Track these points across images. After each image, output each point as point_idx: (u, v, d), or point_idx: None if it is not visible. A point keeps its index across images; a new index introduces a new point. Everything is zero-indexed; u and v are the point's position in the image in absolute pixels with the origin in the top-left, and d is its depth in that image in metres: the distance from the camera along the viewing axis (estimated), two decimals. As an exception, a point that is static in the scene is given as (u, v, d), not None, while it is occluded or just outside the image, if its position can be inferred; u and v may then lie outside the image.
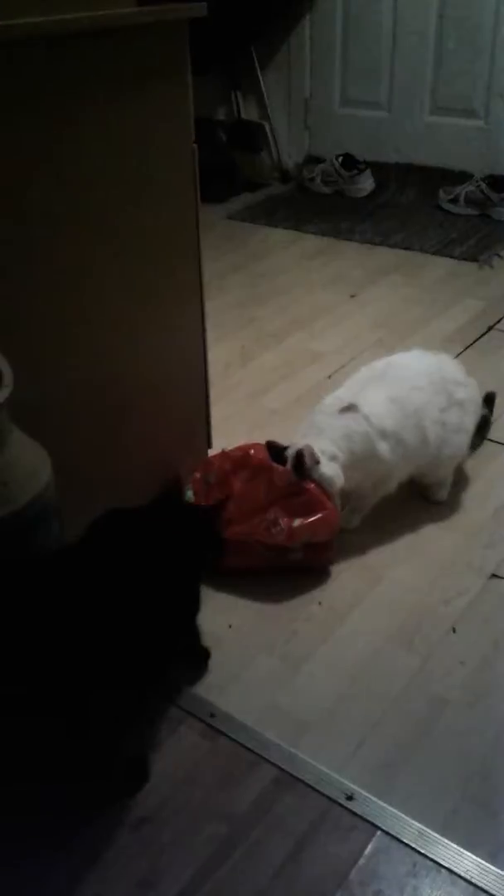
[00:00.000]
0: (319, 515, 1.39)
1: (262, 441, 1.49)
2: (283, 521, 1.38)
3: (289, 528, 1.37)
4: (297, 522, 1.37)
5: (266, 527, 1.38)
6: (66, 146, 1.14)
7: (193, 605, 1.17)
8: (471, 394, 1.55)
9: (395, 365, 1.54)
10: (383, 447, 1.42)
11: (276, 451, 1.45)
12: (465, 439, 1.54)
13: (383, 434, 1.42)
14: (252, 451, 1.46)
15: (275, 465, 1.43)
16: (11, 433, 1.02)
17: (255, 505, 1.40)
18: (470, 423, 1.55)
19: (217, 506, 1.25)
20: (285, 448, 1.43)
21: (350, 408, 1.43)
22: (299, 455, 1.38)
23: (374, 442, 1.42)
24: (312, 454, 1.37)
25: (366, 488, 1.48)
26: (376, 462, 1.43)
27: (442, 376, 1.52)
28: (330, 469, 1.39)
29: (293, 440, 1.43)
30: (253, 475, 1.43)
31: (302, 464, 1.38)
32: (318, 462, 1.38)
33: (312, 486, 1.39)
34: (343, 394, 1.49)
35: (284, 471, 1.41)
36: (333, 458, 1.40)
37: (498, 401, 1.82)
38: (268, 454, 1.46)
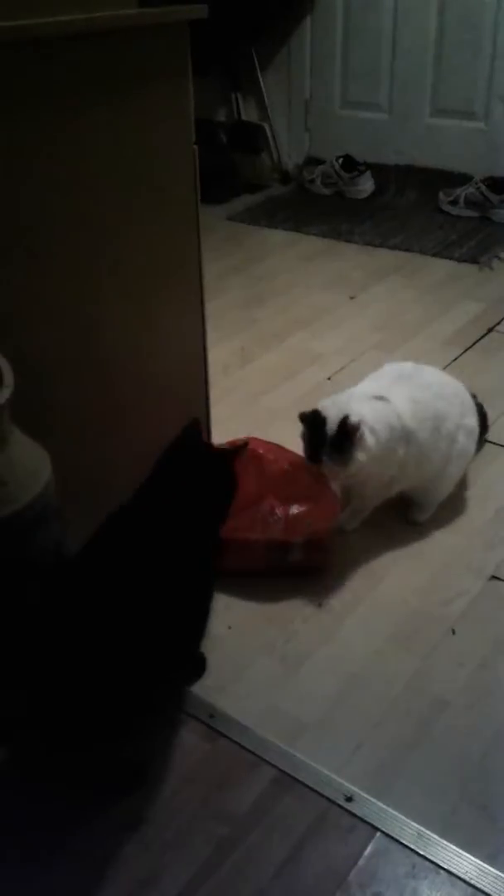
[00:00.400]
0: (318, 503, 1.38)
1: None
2: (280, 510, 1.37)
3: (286, 516, 1.37)
4: (294, 510, 1.37)
5: (262, 518, 1.37)
6: (66, 147, 1.14)
7: (204, 605, 1.16)
8: (476, 423, 1.55)
9: (423, 371, 1.53)
10: (402, 446, 1.41)
11: (310, 417, 1.35)
12: (465, 463, 1.55)
13: (405, 432, 1.41)
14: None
15: (266, 452, 1.42)
16: (12, 433, 1.02)
17: (247, 497, 1.36)
18: (472, 450, 1.54)
19: (239, 448, 1.19)
20: (317, 413, 1.34)
21: (381, 399, 1.41)
22: (347, 424, 1.30)
23: (398, 439, 1.40)
24: (359, 428, 1.30)
25: (372, 488, 1.47)
26: (392, 459, 1.41)
27: (461, 398, 1.52)
28: (364, 454, 1.32)
29: (324, 404, 1.37)
30: (243, 466, 1.37)
31: (350, 435, 1.30)
32: (360, 440, 1.31)
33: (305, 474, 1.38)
34: (368, 388, 1.46)
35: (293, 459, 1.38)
36: (374, 435, 1.33)
37: (498, 402, 1.82)
38: (259, 441, 1.45)
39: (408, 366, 1.54)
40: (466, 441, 1.52)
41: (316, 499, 1.40)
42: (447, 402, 1.48)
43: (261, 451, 1.44)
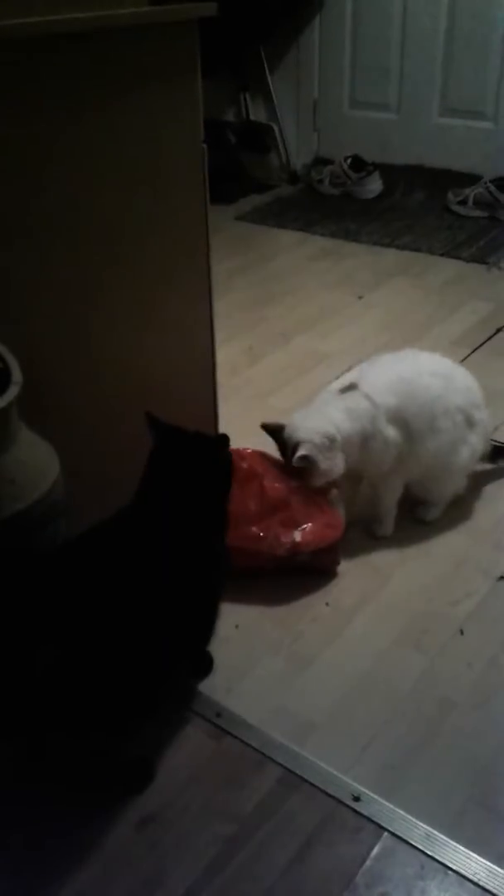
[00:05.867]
0: (321, 521, 1.38)
1: (267, 445, 1.47)
2: (284, 537, 1.37)
3: (292, 542, 1.36)
4: (298, 536, 1.37)
5: (268, 545, 1.36)
6: (71, 146, 1.14)
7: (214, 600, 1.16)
8: (485, 418, 1.52)
9: (422, 355, 1.51)
10: (389, 429, 1.40)
11: (272, 431, 1.44)
12: (470, 457, 1.50)
13: (387, 411, 1.40)
14: (245, 464, 1.41)
15: (267, 472, 1.41)
16: (21, 431, 1.02)
17: (245, 515, 1.36)
18: (479, 445, 1.52)
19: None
20: (282, 428, 1.42)
21: (350, 387, 1.42)
22: (294, 453, 1.36)
23: (378, 419, 1.39)
24: (306, 456, 1.35)
25: (379, 477, 1.47)
26: (382, 443, 1.40)
27: (466, 385, 1.49)
28: (327, 464, 1.37)
29: (292, 419, 1.42)
30: (242, 483, 1.36)
31: (303, 465, 1.36)
32: (312, 456, 1.36)
33: (304, 495, 1.39)
34: (350, 375, 1.48)
35: (280, 475, 1.40)
36: (332, 440, 1.36)
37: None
38: (260, 459, 1.44)
39: (406, 352, 1.53)
40: (472, 434, 1.48)
41: (318, 518, 1.39)
42: (444, 382, 1.45)
43: (260, 471, 1.41)
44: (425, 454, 1.45)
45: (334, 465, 1.38)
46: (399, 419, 1.41)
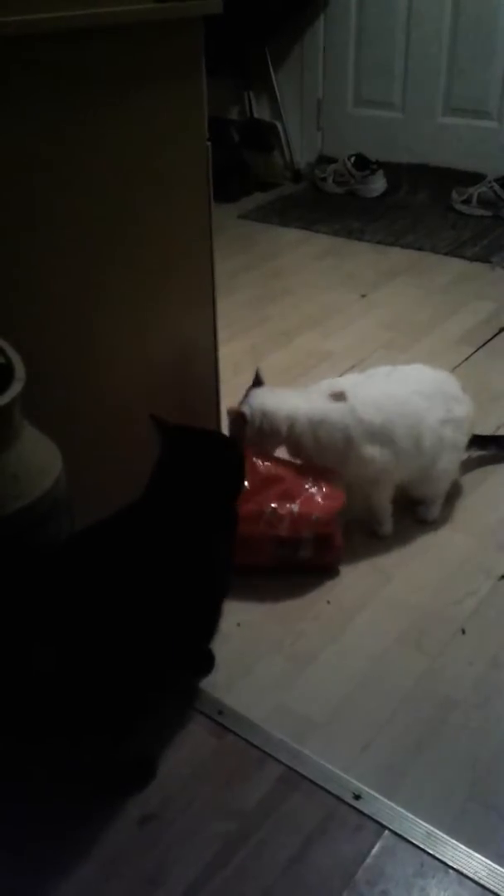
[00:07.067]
0: (319, 493, 1.38)
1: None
2: (282, 509, 1.36)
3: (290, 514, 1.36)
4: (296, 507, 1.36)
5: (266, 519, 1.36)
6: (75, 144, 1.14)
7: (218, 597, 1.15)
8: (466, 412, 1.52)
9: (401, 370, 1.53)
10: (368, 447, 1.40)
11: (257, 381, 1.48)
12: (457, 457, 1.52)
13: (370, 433, 1.40)
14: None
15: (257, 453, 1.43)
16: (24, 428, 1.03)
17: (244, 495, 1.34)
18: (462, 442, 1.52)
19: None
20: (260, 385, 1.47)
21: (339, 396, 1.42)
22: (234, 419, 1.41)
23: (355, 438, 1.40)
24: (242, 415, 1.39)
25: (359, 487, 1.47)
26: (360, 462, 1.41)
27: (443, 390, 1.50)
28: (254, 439, 1.40)
29: (280, 392, 1.47)
30: None
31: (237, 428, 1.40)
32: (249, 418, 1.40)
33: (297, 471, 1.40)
34: (341, 382, 1.48)
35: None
36: (275, 434, 1.40)
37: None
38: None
39: (385, 368, 1.54)
40: (455, 434, 1.49)
41: (316, 491, 1.39)
42: (427, 398, 1.46)
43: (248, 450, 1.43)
44: (410, 466, 1.46)
45: (263, 445, 1.42)
46: (385, 436, 1.41)
